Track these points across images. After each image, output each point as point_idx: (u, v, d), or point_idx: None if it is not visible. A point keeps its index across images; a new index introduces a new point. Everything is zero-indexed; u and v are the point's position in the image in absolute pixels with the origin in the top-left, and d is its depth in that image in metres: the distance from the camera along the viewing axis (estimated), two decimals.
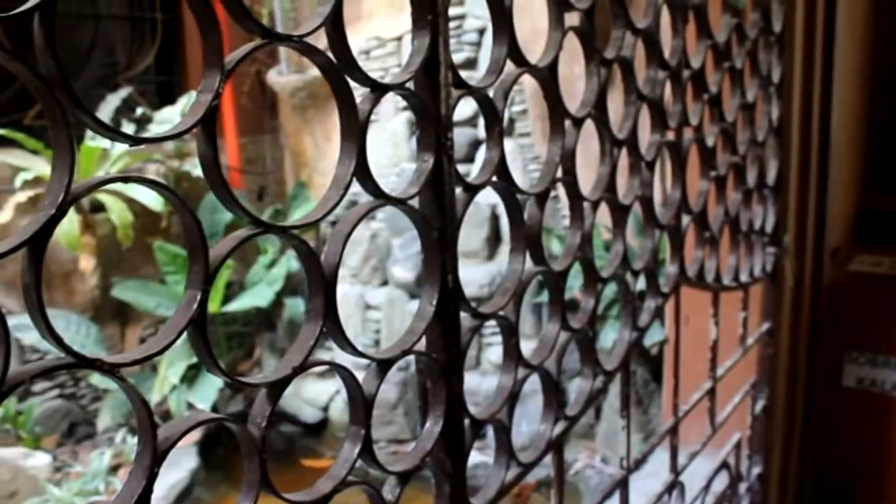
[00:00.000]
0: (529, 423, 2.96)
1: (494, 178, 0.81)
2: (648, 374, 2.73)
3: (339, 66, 0.60)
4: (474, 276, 3.41)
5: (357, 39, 4.06)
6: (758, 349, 1.88)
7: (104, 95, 3.49)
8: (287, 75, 4.03)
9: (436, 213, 0.71)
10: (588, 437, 3.00)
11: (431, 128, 0.69)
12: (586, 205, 0.97)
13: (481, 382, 3.21)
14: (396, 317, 3.59)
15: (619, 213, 1.06)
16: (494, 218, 3.61)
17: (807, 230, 2.06)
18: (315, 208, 0.63)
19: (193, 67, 4.16)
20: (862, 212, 3.32)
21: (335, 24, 0.60)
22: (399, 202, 0.68)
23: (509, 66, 0.82)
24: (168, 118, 3.35)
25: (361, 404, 0.66)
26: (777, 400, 2.00)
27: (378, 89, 0.65)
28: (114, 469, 2.95)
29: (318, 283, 0.61)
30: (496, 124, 0.78)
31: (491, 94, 0.79)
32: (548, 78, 0.87)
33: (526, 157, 3.66)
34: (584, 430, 2.97)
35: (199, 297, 0.53)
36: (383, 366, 0.69)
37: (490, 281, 3.45)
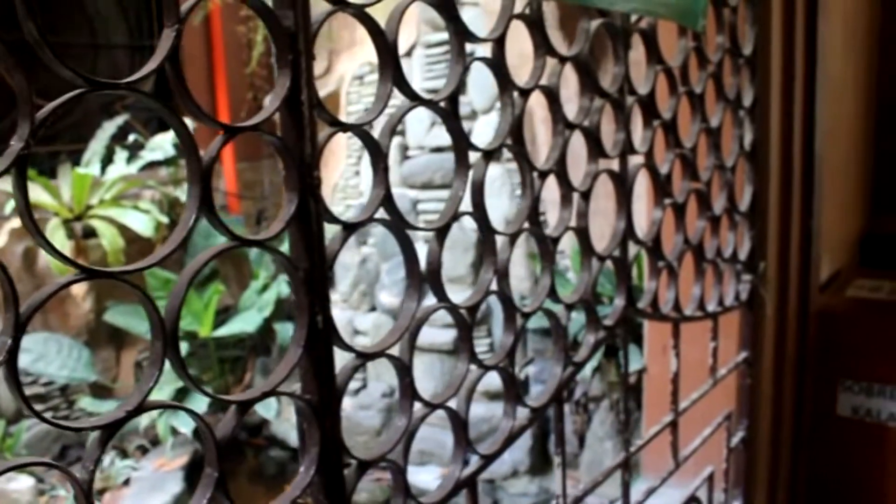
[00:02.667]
0: (512, 451, 2.92)
1: (384, 215, 0.79)
2: (631, 402, 2.67)
3: (165, 107, 0.59)
4: (459, 302, 3.36)
5: (351, 65, 4.09)
6: (735, 380, 1.83)
7: (102, 123, 3.55)
8: None
9: (303, 254, 0.69)
10: (572, 465, 2.94)
11: (295, 168, 0.68)
12: (501, 238, 0.95)
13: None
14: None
15: (545, 247, 1.04)
16: (481, 244, 3.58)
17: (790, 256, 2.01)
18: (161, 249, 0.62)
19: (191, 92, 4.21)
20: (868, 235, 3.25)
21: (173, 64, 0.59)
22: (256, 243, 0.66)
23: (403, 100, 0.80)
24: (159, 145, 3.40)
25: (213, 446, 0.64)
26: (759, 431, 1.94)
27: (230, 132, 0.64)
28: (100, 493, 2.96)
29: (157, 327, 0.60)
30: (380, 161, 0.76)
31: (377, 131, 0.77)
32: (448, 111, 0.85)
33: (514, 182, 3.63)
34: (569, 458, 2.92)
35: (8, 344, 0.52)
36: (242, 407, 0.67)
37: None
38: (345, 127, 0.72)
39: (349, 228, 0.74)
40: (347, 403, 3.66)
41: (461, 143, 0.86)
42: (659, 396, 1.90)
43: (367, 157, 4.19)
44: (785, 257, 1.99)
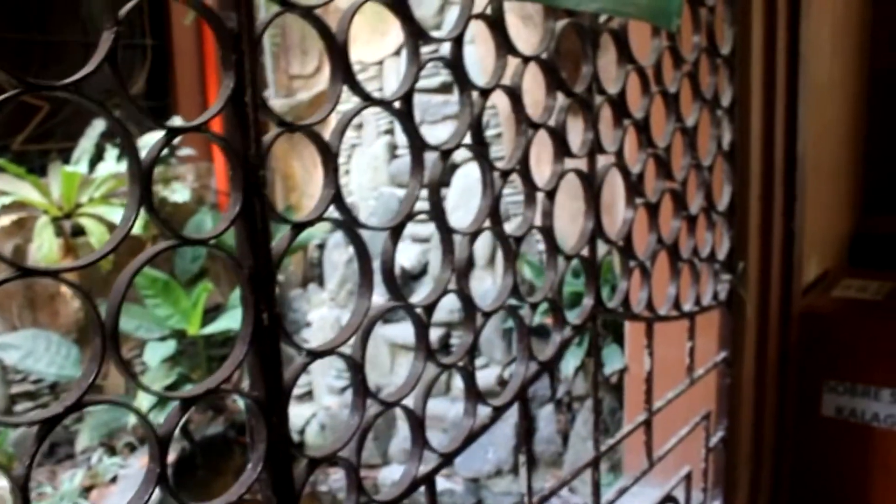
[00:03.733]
0: (496, 450, 2.93)
1: (336, 214, 0.79)
2: (615, 401, 2.68)
3: (102, 107, 0.60)
4: (444, 301, 3.37)
5: None
6: (715, 379, 1.83)
7: (92, 121, 3.56)
8: (274, 100, 4.07)
9: (248, 252, 0.70)
10: (556, 465, 2.95)
11: (240, 167, 0.68)
12: (460, 238, 0.96)
13: (449, 409, 3.17)
14: (369, 341, 3.59)
15: (507, 246, 1.04)
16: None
17: (772, 256, 2.01)
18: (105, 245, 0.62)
19: (183, 93, 4.23)
20: (858, 235, 3.25)
21: (112, 65, 0.60)
22: (200, 242, 0.67)
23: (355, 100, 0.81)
24: (149, 143, 3.40)
25: (155, 443, 0.65)
26: (740, 431, 1.94)
27: (172, 132, 0.64)
28: (87, 489, 2.97)
29: (96, 324, 0.61)
30: (330, 161, 0.77)
31: (327, 131, 0.78)
32: (401, 111, 0.85)
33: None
34: (553, 457, 2.93)
35: None
36: (185, 404, 0.68)
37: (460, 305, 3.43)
38: (292, 127, 0.73)
39: (296, 227, 0.74)
40: (333, 402, 3.67)
41: (416, 142, 0.87)
42: (639, 395, 1.91)
43: (357, 156, 4.20)
44: (766, 257, 1.99)
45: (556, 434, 2.93)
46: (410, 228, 3.34)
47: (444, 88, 3.63)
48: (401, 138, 3.90)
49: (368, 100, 0.81)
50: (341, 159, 4.28)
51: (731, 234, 1.79)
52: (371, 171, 3.97)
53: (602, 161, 1.28)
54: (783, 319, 2.13)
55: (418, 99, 3.58)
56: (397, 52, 3.84)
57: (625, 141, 1.33)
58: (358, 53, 3.91)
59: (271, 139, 0.71)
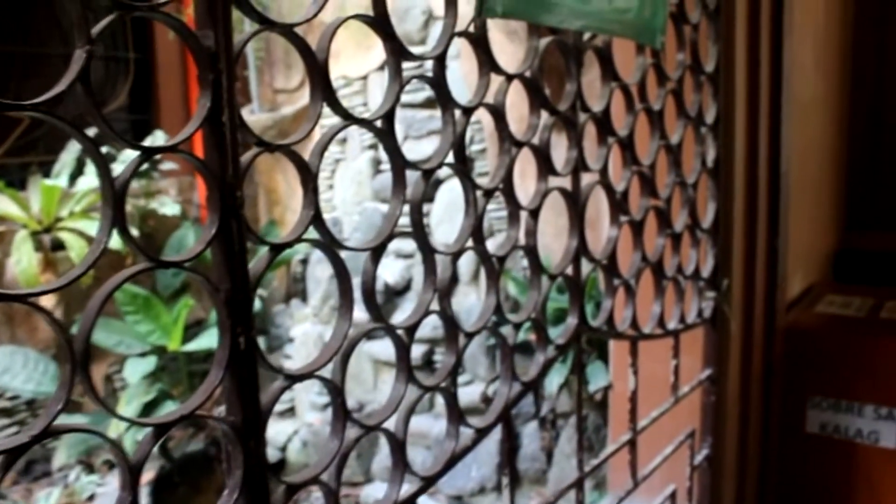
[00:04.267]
0: (479, 467, 2.91)
1: (316, 235, 0.78)
2: (600, 418, 2.67)
3: (73, 127, 0.58)
4: (429, 317, 3.36)
5: None
6: (699, 397, 1.83)
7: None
8: (258, 114, 4.06)
9: (225, 274, 0.69)
10: (540, 482, 2.93)
11: (217, 188, 0.67)
12: (441, 258, 0.94)
13: (433, 426, 3.15)
14: (352, 358, 3.56)
15: (490, 265, 1.03)
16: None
17: (756, 272, 2.01)
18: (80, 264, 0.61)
19: (166, 106, 4.20)
20: (842, 251, 3.27)
21: (84, 85, 0.58)
22: (175, 265, 0.66)
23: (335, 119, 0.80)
24: (131, 157, 3.37)
25: (126, 470, 0.63)
26: (724, 449, 1.94)
27: (146, 153, 0.63)
28: None
29: (66, 350, 0.59)
30: (309, 181, 0.75)
31: (307, 152, 0.76)
32: (383, 130, 0.84)
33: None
34: (537, 474, 2.91)
35: None
36: (159, 430, 0.66)
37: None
38: (271, 147, 0.71)
39: (275, 249, 0.73)
40: (316, 419, 3.64)
41: (398, 161, 0.86)
42: (624, 413, 1.90)
43: (341, 171, 4.19)
44: (750, 274, 1.99)
45: (539, 451, 2.91)
46: (394, 244, 3.31)
47: (429, 104, 3.63)
48: (385, 153, 3.87)
49: (349, 118, 0.80)
50: (325, 173, 4.28)
51: (715, 252, 1.79)
52: (355, 186, 3.95)
53: (586, 179, 1.27)
54: (767, 336, 2.13)
55: (403, 114, 3.58)
56: (382, 67, 3.84)
57: (609, 158, 1.32)
58: (342, 68, 3.90)
59: (249, 160, 0.70)
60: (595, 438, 2.65)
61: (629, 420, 1.50)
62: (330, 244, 0.78)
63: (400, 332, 0.88)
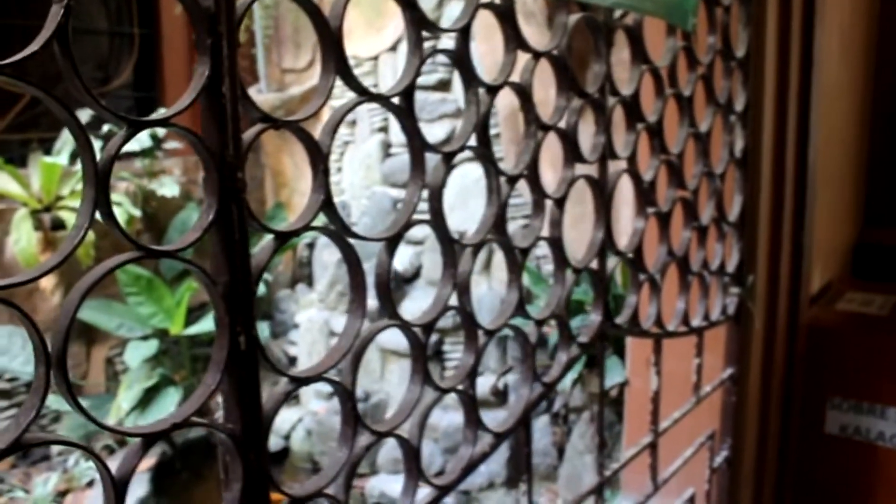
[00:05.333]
0: (488, 462, 2.82)
1: (327, 223, 0.70)
2: (614, 415, 2.60)
3: (50, 96, 0.51)
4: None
5: None
6: (720, 397, 1.75)
7: (75, 111, 3.44)
8: (266, 94, 3.96)
9: (223, 265, 0.61)
10: (550, 478, 2.86)
11: (215, 169, 0.59)
12: (462, 249, 0.87)
13: (442, 418, 3.07)
14: None
15: (513, 257, 0.96)
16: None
17: (780, 268, 1.93)
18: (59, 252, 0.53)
19: (171, 83, 4.11)
20: (861, 245, 3.19)
21: (61, 44, 0.50)
22: (166, 254, 0.58)
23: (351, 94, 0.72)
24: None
25: (110, 486, 0.56)
26: (744, 451, 1.86)
27: (134, 126, 0.55)
28: (62, 494, 2.86)
29: (39, 349, 0.52)
30: (319, 162, 0.68)
31: (317, 129, 0.68)
32: (401, 108, 0.76)
33: None
34: (547, 471, 2.84)
35: None
36: (148, 440, 0.59)
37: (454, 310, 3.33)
38: (277, 124, 0.64)
39: (281, 238, 0.65)
40: (321, 407, 3.57)
41: (416, 143, 0.78)
42: (640, 411, 1.82)
43: (349, 154, 4.10)
44: (775, 270, 1.91)
45: (551, 446, 2.84)
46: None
47: (441, 86, 3.54)
48: (395, 136, 3.80)
49: (365, 94, 0.72)
50: (333, 156, 4.19)
51: (740, 246, 1.71)
52: (364, 170, 3.86)
53: (612, 167, 1.19)
54: (790, 334, 2.05)
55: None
56: (393, 48, 3.74)
57: (637, 146, 1.24)
58: (353, 48, 3.81)
59: (252, 137, 0.62)
60: (608, 435, 2.58)
61: (650, 422, 1.43)
62: (340, 232, 0.70)
63: (416, 329, 0.81)
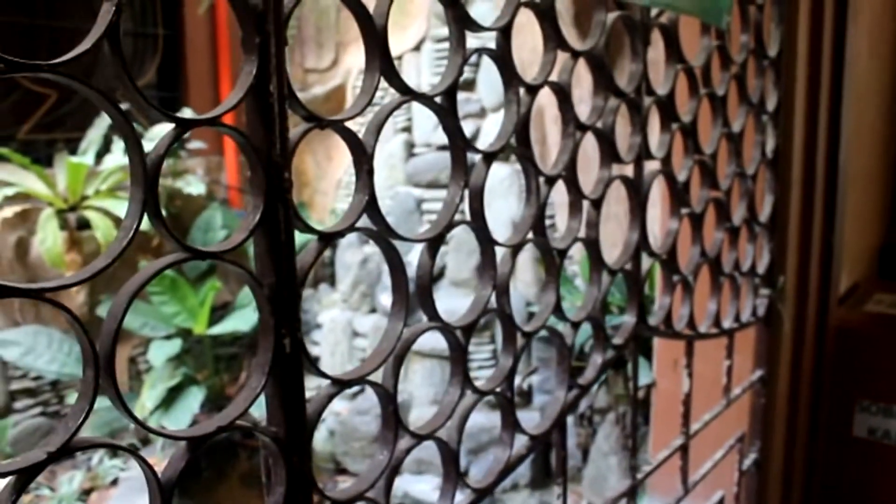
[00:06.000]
0: None
1: (370, 224, 0.70)
2: (639, 416, 2.57)
3: (97, 92, 0.50)
4: (463, 307, 3.25)
5: (358, 58, 4.00)
6: (749, 399, 1.73)
7: (100, 111, 3.46)
8: None
9: (269, 267, 0.60)
10: (575, 480, 2.84)
11: (261, 168, 0.59)
12: (502, 251, 0.86)
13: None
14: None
15: (551, 259, 0.94)
16: None
17: (810, 269, 1.90)
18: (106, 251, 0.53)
19: (194, 84, 4.13)
20: (887, 246, 3.15)
21: (112, 43, 0.50)
22: (213, 256, 0.57)
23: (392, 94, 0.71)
24: (159, 135, 3.32)
25: (157, 490, 0.55)
26: (772, 454, 1.84)
27: (182, 125, 0.55)
28: (87, 492, 2.87)
29: (88, 352, 0.51)
30: (364, 162, 0.67)
31: (361, 128, 0.68)
32: (443, 107, 0.75)
33: (522, 183, 3.50)
34: (572, 472, 2.82)
35: None
36: (193, 444, 0.58)
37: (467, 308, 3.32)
38: (322, 123, 0.63)
39: (325, 239, 0.65)
40: (344, 408, 3.56)
41: (459, 143, 0.77)
42: (668, 413, 1.80)
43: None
44: (805, 271, 1.88)
45: (575, 448, 2.82)
46: (423, 228, 3.23)
47: (465, 86, 3.52)
48: (418, 136, 3.79)
49: (408, 93, 0.71)
50: None
51: (771, 247, 1.69)
52: (387, 170, 3.85)
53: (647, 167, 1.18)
54: (818, 336, 2.02)
55: None
56: (417, 48, 3.73)
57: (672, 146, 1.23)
58: None
59: (299, 135, 0.61)
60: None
61: (682, 424, 1.41)
62: (384, 233, 0.70)
63: (456, 331, 0.80)
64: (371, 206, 0.68)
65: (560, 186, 0.96)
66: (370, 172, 0.67)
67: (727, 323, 1.51)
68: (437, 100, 0.75)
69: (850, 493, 2.19)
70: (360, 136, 0.67)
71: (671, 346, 1.83)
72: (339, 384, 0.68)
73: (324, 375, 0.66)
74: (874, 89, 2.68)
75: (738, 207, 1.52)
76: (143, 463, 0.55)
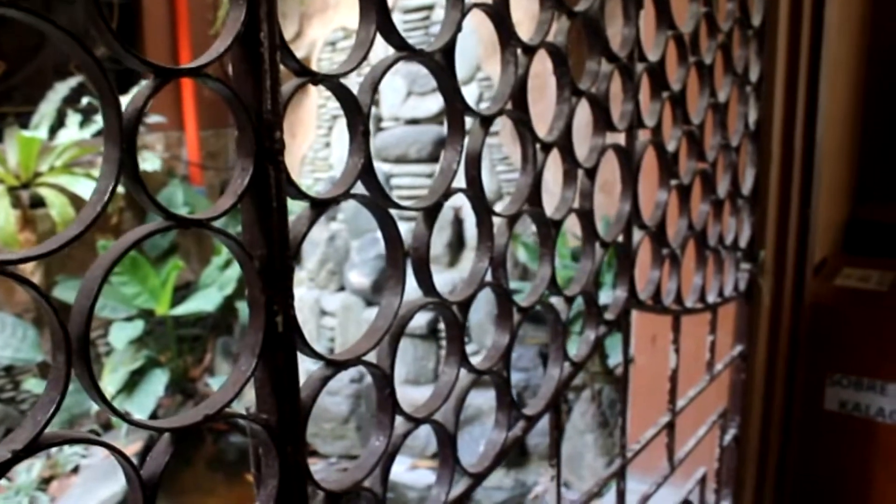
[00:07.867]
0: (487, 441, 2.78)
1: (363, 191, 0.64)
2: (615, 393, 2.56)
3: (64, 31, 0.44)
4: (437, 282, 3.21)
5: (323, 30, 3.88)
6: (729, 375, 1.72)
7: (53, 84, 3.31)
8: None
9: (259, 237, 0.54)
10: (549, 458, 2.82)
11: (249, 127, 0.52)
12: (499, 221, 0.81)
13: None
14: (351, 325, 3.39)
15: (546, 231, 0.90)
16: (458, 222, 3.41)
17: (787, 244, 1.89)
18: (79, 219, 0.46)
19: (152, 53, 3.97)
20: (853, 221, 3.17)
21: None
22: (197, 223, 0.51)
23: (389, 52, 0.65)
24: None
25: (138, 487, 0.49)
26: (750, 429, 1.84)
27: (162, 75, 0.48)
28: (46, 481, 2.77)
29: (58, 334, 0.45)
30: (359, 122, 0.61)
31: (355, 85, 0.62)
32: (441, 66, 0.70)
33: (494, 157, 3.46)
34: (546, 451, 2.80)
35: None
36: (176, 436, 0.52)
37: (451, 290, 3.27)
38: (316, 78, 0.57)
39: (319, 206, 0.59)
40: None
41: (456, 105, 0.72)
42: (647, 390, 1.78)
43: (338, 127, 4.00)
44: (783, 246, 1.88)
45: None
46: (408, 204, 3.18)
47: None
48: (386, 110, 3.69)
49: (406, 48, 0.65)
50: (321, 130, 4.09)
51: (752, 221, 1.67)
52: None
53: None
54: (795, 310, 2.02)
55: (407, 68, 3.39)
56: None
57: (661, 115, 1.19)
58: (342, 19, 3.70)
59: (291, 90, 0.55)
60: (610, 413, 2.54)
61: (668, 401, 1.38)
62: (380, 202, 0.64)
63: (453, 307, 0.75)
64: (367, 171, 0.62)
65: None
66: (366, 133, 0.62)
67: (711, 297, 1.49)
68: (436, 58, 0.69)
69: (822, 465, 2.21)
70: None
71: (649, 322, 1.81)
72: (334, 365, 0.62)
73: (318, 356, 0.60)
74: (842, 65, 2.68)
75: (723, 180, 1.49)
76: (125, 460, 0.49)
